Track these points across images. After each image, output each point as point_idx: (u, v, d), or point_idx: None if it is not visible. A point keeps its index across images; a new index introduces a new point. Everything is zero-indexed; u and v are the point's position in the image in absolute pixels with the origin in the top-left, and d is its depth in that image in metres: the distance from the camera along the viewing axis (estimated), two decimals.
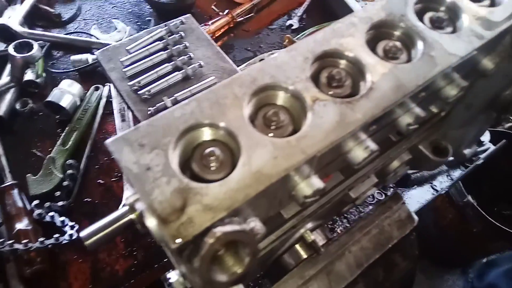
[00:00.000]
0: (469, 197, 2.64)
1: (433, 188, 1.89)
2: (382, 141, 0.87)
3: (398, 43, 0.63)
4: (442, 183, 1.92)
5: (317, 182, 0.57)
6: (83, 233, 0.60)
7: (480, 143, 1.93)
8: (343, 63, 0.61)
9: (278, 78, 0.56)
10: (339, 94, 0.59)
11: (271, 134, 0.55)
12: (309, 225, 0.90)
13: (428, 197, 1.85)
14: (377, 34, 0.65)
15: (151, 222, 0.53)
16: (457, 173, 1.95)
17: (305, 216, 0.86)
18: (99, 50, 1.26)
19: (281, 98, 0.57)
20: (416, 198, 1.80)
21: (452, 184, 1.92)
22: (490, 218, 2.51)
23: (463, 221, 2.76)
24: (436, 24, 0.66)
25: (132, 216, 0.60)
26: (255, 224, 0.53)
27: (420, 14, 0.67)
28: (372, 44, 0.63)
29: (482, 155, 1.95)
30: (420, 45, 0.62)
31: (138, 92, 1.19)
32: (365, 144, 0.60)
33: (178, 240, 0.45)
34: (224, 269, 0.48)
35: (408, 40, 0.64)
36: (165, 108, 1.17)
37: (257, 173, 0.50)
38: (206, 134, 0.54)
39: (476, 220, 2.65)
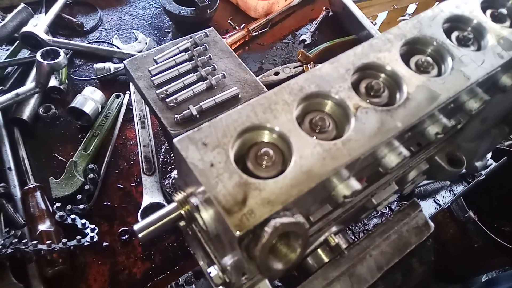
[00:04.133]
0: (470, 213, 2.68)
1: (436, 202, 1.94)
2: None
3: (429, 58, 0.69)
4: (445, 197, 1.97)
5: (355, 184, 0.62)
6: (136, 226, 0.64)
7: (487, 154, 1.98)
8: (381, 75, 0.67)
9: (323, 87, 0.62)
10: (377, 103, 0.65)
11: (315, 137, 0.60)
12: (333, 228, 0.95)
13: (431, 211, 1.89)
14: (410, 50, 0.71)
15: (207, 214, 0.58)
16: (459, 188, 2.00)
17: (331, 219, 0.91)
18: (128, 59, 1.31)
19: (326, 105, 0.63)
20: None
21: (455, 199, 1.97)
22: (491, 234, 2.55)
23: (464, 236, 2.79)
24: (463, 42, 0.72)
25: (182, 211, 0.65)
26: (300, 219, 0.58)
27: (447, 33, 0.73)
28: (405, 58, 0.69)
29: (484, 171, 2.00)
30: (450, 61, 0.68)
31: (166, 100, 1.23)
32: (398, 150, 0.65)
33: (239, 232, 0.49)
34: (279, 258, 0.52)
35: (439, 56, 0.70)
36: (191, 115, 1.22)
37: (308, 171, 0.55)
38: (260, 135, 0.59)
39: (477, 236, 2.69)
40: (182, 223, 0.71)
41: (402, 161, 0.65)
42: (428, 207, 1.89)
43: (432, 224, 1.02)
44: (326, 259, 0.98)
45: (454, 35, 0.74)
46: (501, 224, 3.26)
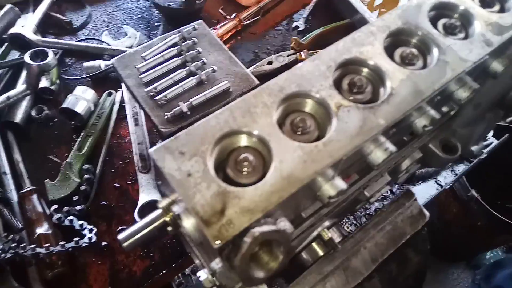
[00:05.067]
0: (473, 191, 2.67)
1: (437, 183, 1.93)
2: (396, 141, 0.91)
3: (414, 50, 0.67)
4: (447, 178, 1.95)
5: (341, 184, 0.61)
6: (120, 236, 0.64)
7: (484, 138, 1.96)
8: (363, 70, 0.65)
9: (303, 87, 0.60)
10: (360, 100, 0.63)
11: (297, 139, 0.59)
12: (326, 223, 0.94)
13: (433, 192, 1.88)
14: (394, 41, 0.69)
15: (188, 224, 0.57)
16: (461, 168, 1.98)
17: (323, 215, 0.90)
18: (115, 58, 1.29)
19: (307, 105, 0.61)
20: (421, 193, 1.83)
21: (456, 179, 1.96)
22: (494, 212, 2.55)
23: (467, 215, 2.79)
24: (449, 31, 0.70)
25: (166, 218, 0.64)
26: (285, 223, 0.57)
27: (434, 21, 0.70)
28: (389, 51, 0.67)
29: (485, 150, 1.98)
30: (435, 51, 0.66)
31: (155, 98, 1.22)
32: (384, 146, 0.63)
33: (219, 242, 0.49)
34: (260, 266, 0.51)
35: (424, 47, 0.68)
36: (182, 112, 1.21)
37: (289, 176, 0.54)
38: (240, 141, 0.57)
39: (480, 214, 2.68)
40: (169, 229, 0.71)
41: (388, 157, 0.64)
42: (429, 188, 1.87)
43: (427, 213, 1.01)
44: (321, 253, 0.97)
45: (441, 23, 0.71)
46: (505, 201, 3.25)
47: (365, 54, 0.64)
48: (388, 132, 0.62)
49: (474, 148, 1.23)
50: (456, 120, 1.06)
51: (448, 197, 2.88)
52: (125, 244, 0.64)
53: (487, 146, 1.97)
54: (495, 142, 1.97)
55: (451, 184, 1.97)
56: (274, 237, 0.50)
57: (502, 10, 0.74)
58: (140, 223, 0.66)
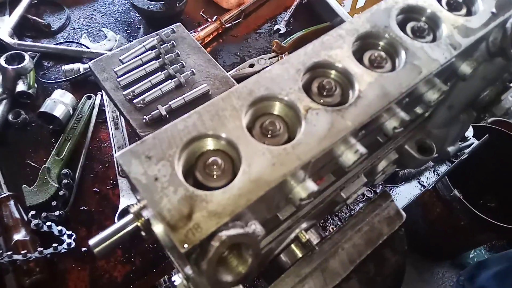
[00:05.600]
0: (456, 191, 2.72)
1: (420, 184, 1.95)
2: (371, 143, 0.92)
3: (382, 53, 0.68)
4: (429, 178, 1.97)
5: (311, 185, 0.62)
6: (91, 241, 0.63)
7: (464, 138, 2.00)
8: (332, 73, 0.65)
9: (273, 90, 0.60)
10: (330, 102, 0.63)
11: (267, 142, 0.59)
12: (304, 225, 0.94)
13: (416, 192, 1.90)
14: (363, 45, 0.69)
15: (158, 229, 0.57)
16: (443, 169, 2.01)
17: (300, 217, 0.91)
18: (92, 61, 1.28)
19: (276, 108, 0.62)
20: (405, 194, 1.86)
21: (439, 179, 1.99)
22: (476, 211, 2.59)
23: (450, 214, 2.83)
24: (418, 34, 0.71)
25: (138, 223, 0.64)
26: (255, 226, 0.57)
27: (402, 25, 0.71)
28: (358, 54, 0.67)
29: (467, 150, 2.02)
30: (403, 54, 0.67)
31: (133, 101, 1.21)
32: (355, 148, 0.64)
33: (186, 246, 0.48)
34: (229, 270, 0.51)
35: (392, 49, 0.69)
36: (160, 116, 1.20)
37: (257, 179, 0.54)
38: (208, 144, 0.57)
39: (463, 213, 2.73)
40: (143, 234, 0.70)
41: (359, 159, 0.64)
42: (413, 189, 1.90)
43: (403, 214, 1.02)
44: (299, 255, 0.97)
45: (409, 26, 0.72)
46: (487, 200, 3.32)
47: (334, 57, 0.65)
48: (357, 134, 0.63)
49: (450, 148, 1.25)
50: (431, 121, 1.08)
51: (432, 197, 2.92)
52: (96, 250, 0.63)
53: (467, 147, 2.01)
54: (476, 142, 2.01)
55: (433, 185, 2.00)
56: (242, 240, 0.50)
57: (469, 13, 0.76)
58: (112, 228, 0.65)
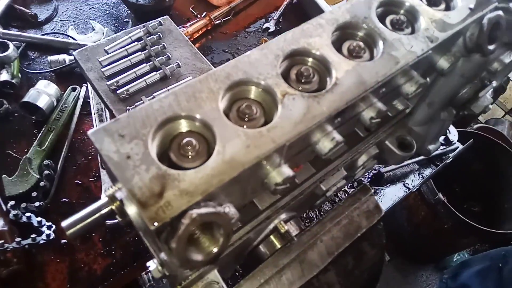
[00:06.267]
0: (440, 195, 2.74)
1: (405, 186, 1.97)
2: (350, 135, 0.93)
3: (361, 43, 0.68)
4: (414, 181, 2.00)
5: (287, 171, 0.62)
6: (64, 223, 0.62)
7: (449, 143, 2.03)
8: (310, 61, 0.66)
9: (250, 74, 0.61)
10: (307, 89, 0.64)
11: (244, 126, 0.59)
12: (283, 216, 0.95)
13: (401, 194, 1.92)
14: (343, 34, 0.70)
15: (131, 210, 0.56)
16: (427, 172, 2.03)
17: (279, 207, 0.91)
18: (77, 50, 1.27)
19: (253, 92, 0.62)
20: (390, 195, 1.87)
21: (423, 182, 2.01)
22: (460, 215, 2.62)
23: (435, 218, 2.86)
24: (396, 26, 0.72)
25: (113, 206, 0.63)
26: (229, 209, 0.57)
27: (382, 17, 0.73)
28: (337, 44, 0.68)
29: (451, 154, 2.05)
30: (381, 45, 0.68)
31: (117, 92, 1.21)
32: (331, 135, 0.65)
33: (156, 223, 0.48)
34: (200, 249, 0.51)
35: (371, 40, 0.70)
36: None
37: (231, 160, 0.54)
38: (183, 125, 0.57)
39: (447, 217, 2.76)
40: (118, 218, 0.69)
41: (335, 146, 0.65)
42: (397, 191, 1.92)
43: (382, 208, 1.03)
44: (278, 246, 0.98)
45: (389, 19, 0.73)
46: (471, 204, 3.36)
47: (313, 45, 0.65)
48: (333, 121, 0.63)
49: (431, 146, 1.27)
50: (412, 118, 1.10)
51: (417, 200, 2.95)
52: (69, 231, 0.62)
53: (452, 150, 2.03)
54: (461, 147, 2.04)
55: (418, 187, 2.02)
56: (213, 219, 0.50)
57: (447, 8, 0.77)
58: (85, 210, 0.65)
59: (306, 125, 0.58)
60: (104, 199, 0.65)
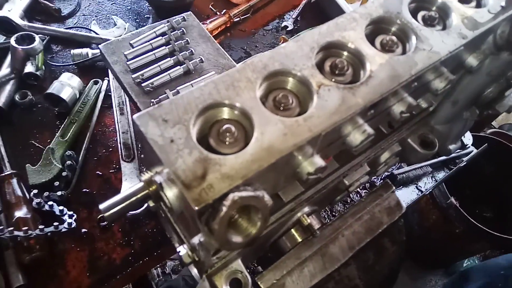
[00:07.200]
0: (452, 199, 2.73)
1: (418, 188, 1.97)
2: (375, 132, 0.94)
3: (394, 38, 0.70)
4: (427, 184, 1.99)
5: (319, 161, 0.63)
6: (102, 206, 0.64)
7: (464, 147, 2.02)
8: (345, 53, 0.67)
9: (287, 65, 0.62)
10: (341, 81, 0.65)
11: (280, 115, 0.61)
12: (306, 209, 0.96)
13: (413, 197, 1.92)
14: (376, 29, 0.72)
15: (170, 192, 0.58)
16: (441, 175, 2.02)
17: (303, 200, 0.92)
18: (103, 43, 1.30)
19: (289, 83, 0.63)
20: (402, 198, 1.86)
21: (436, 185, 2.00)
22: (471, 219, 2.60)
23: (446, 222, 2.85)
24: (428, 22, 0.73)
25: (148, 190, 0.65)
26: (265, 195, 0.58)
27: (414, 13, 0.74)
28: (371, 37, 0.69)
29: (465, 158, 2.04)
30: (413, 39, 0.69)
31: (142, 85, 1.23)
32: (362, 128, 0.66)
33: (199, 204, 0.50)
34: (239, 232, 0.53)
35: (403, 35, 0.71)
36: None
37: (269, 147, 0.55)
38: (223, 113, 0.59)
39: (459, 221, 2.74)
40: (151, 203, 0.71)
41: (366, 139, 0.66)
42: (410, 194, 1.91)
43: (403, 205, 1.04)
44: (299, 239, 0.99)
45: (420, 14, 0.75)
46: (482, 210, 3.33)
47: (347, 38, 0.67)
48: (366, 113, 0.64)
49: (451, 146, 1.27)
50: (435, 116, 1.10)
51: (428, 204, 2.94)
52: (107, 214, 0.64)
53: (465, 154, 2.03)
54: (475, 151, 2.03)
55: (430, 191, 2.01)
56: (252, 203, 0.51)
57: (478, 5, 0.78)
58: (122, 194, 0.67)
59: (341, 116, 0.59)
60: (139, 184, 0.67)
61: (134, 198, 0.66)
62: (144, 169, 0.71)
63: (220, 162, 0.53)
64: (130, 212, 1.33)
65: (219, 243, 0.51)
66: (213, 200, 0.50)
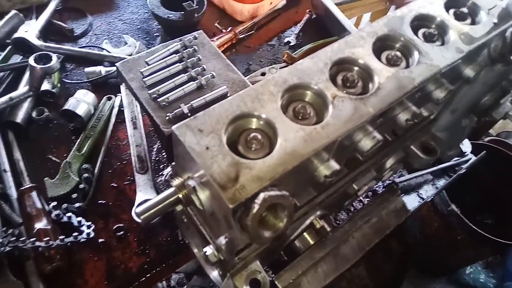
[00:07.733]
0: (453, 206, 2.77)
1: (419, 196, 2.02)
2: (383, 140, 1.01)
3: (398, 53, 0.78)
4: (428, 191, 2.04)
5: (335, 165, 0.70)
6: (138, 209, 0.71)
7: (463, 154, 2.09)
8: (355, 68, 0.75)
9: (304, 79, 0.70)
10: (352, 93, 0.73)
11: (299, 124, 0.68)
12: (318, 213, 1.02)
13: (415, 204, 1.97)
14: (382, 45, 0.79)
15: (203, 194, 0.65)
16: (441, 182, 2.08)
17: (316, 203, 0.99)
18: (120, 62, 1.37)
19: (307, 95, 0.71)
20: None
21: (437, 192, 2.06)
22: (473, 226, 2.64)
23: (447, 229, 2.88)
24: (428, 38, 0.81)
25: (180, 195, 0.72)
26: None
27: (415, 30, 0.82)
28: (377, 53, 0.77)
29: (465, 165, 2.10)
30: (416, 54, 0.77)
31: (158, 100, 1.30)
32: (372, 134, 0.73)
33: (234, 203, 0.56)
34: (268, 227, 0.59)
35: (407, 50, 0.79)
36: (183, 113, 1.29)
37: (292, 152, 0.62)
38: (250, 122, 0.66)
39: (460, 228, 2.77)
40: (179, 208, 0.78)
41: (375, 144, 0.73)
42: (412, 201, 1.97)
43: (409, 208, 1.10)
44: (312, 242, 1.05)
45: (421, 32, 0.83)
46: (483, 217, 3.37)
47: (357, 54, 0.74)
48: (375, 121, 0.72)
49: (451, 152, 1.34)
50: (435, 124, 1.18)
51: (430, 211, 2.97)
52: (143, 216, 0.71)
53: (465, 162, 2.09)
54: (474, 158, 2.09)
55: (432, 198, 2.07)
56: (280, 201, 0.58)
57: (473, 23, 0.86)
58: (155, 199, 0.73)
59: (355, 123, 0.67)
60: (171, 189, 0.73)
61: (166, 202, 0.73)
62: (175, 176, 0.77)
63: (250, 165, 0.60)
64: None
65: (251, 238, 0.57)
66: (246, 199, 0.56)
